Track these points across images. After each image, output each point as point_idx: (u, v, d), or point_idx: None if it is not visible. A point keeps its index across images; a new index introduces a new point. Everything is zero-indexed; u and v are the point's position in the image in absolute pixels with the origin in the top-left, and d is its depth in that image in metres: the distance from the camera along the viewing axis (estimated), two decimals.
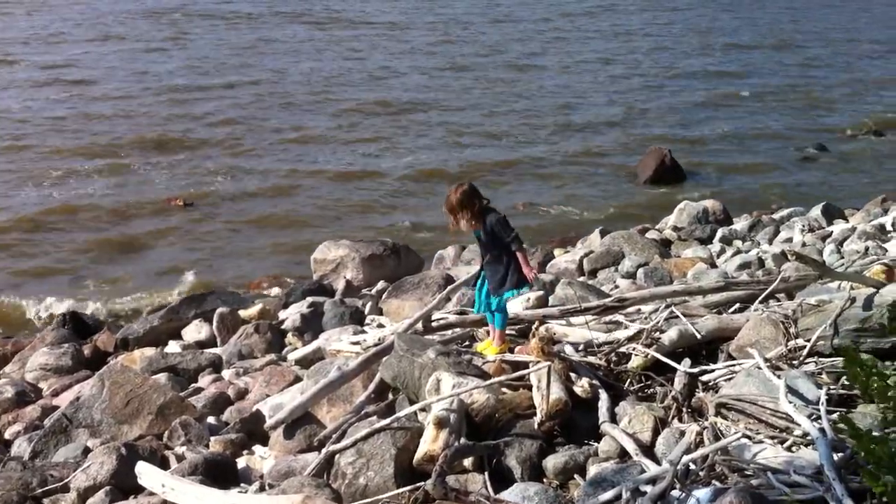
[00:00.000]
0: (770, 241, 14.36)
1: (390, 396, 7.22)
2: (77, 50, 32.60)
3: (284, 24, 39.96)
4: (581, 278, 12.74)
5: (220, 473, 6.63)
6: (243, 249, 16.25)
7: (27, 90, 26.66)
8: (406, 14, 44.92)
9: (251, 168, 20.72)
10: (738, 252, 13.52)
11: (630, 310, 8.42)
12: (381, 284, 13.13)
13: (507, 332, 8.10)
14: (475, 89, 29.54)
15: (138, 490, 6.51)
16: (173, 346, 11.39)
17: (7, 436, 8.68)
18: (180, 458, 7.09)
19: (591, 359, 7.26)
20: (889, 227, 13.78)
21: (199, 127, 23.59)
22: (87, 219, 17.33)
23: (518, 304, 10.25)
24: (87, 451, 7.50)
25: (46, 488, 6.74)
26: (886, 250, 11.55)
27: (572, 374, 6.70)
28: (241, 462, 7.18)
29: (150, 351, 10.98)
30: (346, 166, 21.09)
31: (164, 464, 6.96)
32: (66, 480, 6.78)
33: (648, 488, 4.92)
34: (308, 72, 30.51)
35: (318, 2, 46.52)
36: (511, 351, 7.46)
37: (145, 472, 6.41)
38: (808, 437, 5.35)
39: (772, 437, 5.60)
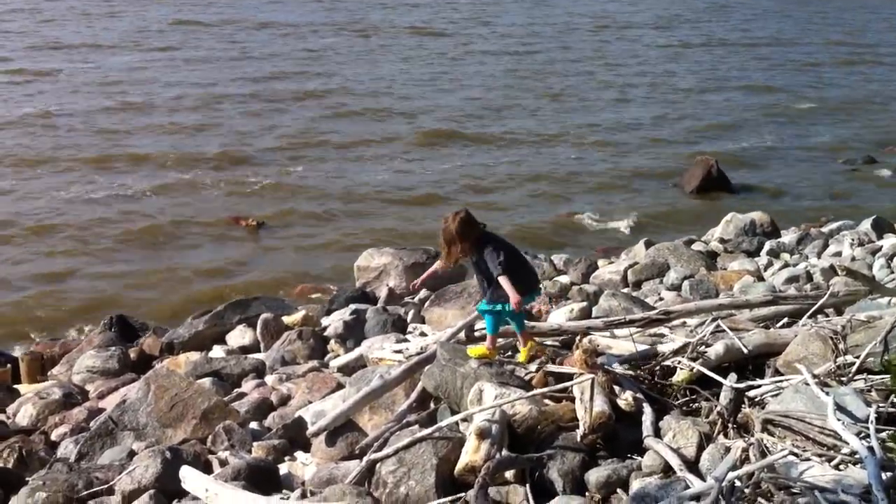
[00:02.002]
0: (819, 255, 14.16)
1: (432, 406, 7.23)
2: (125, 59, 32.96)
3: (341, 35, 40.05)
4: (625, 290, 12.65)
5: (262, 479, 6.66)
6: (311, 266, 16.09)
7: (82, 99, 26.67)
8: (457, 23, 45.04)
9: (314, 181, 20.52)
10: (786, 265, 13.34)
11: (675, 323, 8.35)
12: (423, 292, 13.13)
13: (550, 342, 8.09)
14: (526, 98, 29.51)
15: (182, 494, 6.56)
16: (217, 351, 11.48)
17: (54, 437, 8.80)
18: (223, 463, 7.15)
19: (635, 371, 7.20)
20: None
21: (264, 142, 23.31)
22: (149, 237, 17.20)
23: (562, 316, 10.24)
24: (132, 454, 7.59)
25: (91, 490, 6.81)
26: None
27: (616, 387, 6.66)
28: (283, 468, 7.21)
29: (194, 355, 11.08)
30: (401, 182, 20.94)
31: (207, 468, 7.01)
32: (111, 483, 6.85)
33: None
34: (371, 82, 30.46)
35: (375, 12, 46.73)
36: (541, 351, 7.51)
37: (189, 477, 6.47)
38: (857, 456, 5.27)
39: (819, 455, 5.51)
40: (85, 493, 6.79)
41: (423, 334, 10.68)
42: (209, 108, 26.49)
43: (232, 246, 16.85)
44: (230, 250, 16.64)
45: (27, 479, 7.35)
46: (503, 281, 6.90)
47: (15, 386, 10.89)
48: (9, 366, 11.35)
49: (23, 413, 9.57)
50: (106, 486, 6.85)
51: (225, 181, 20.19)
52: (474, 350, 7.32)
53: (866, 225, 15.47)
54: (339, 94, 28.81)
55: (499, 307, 7.19)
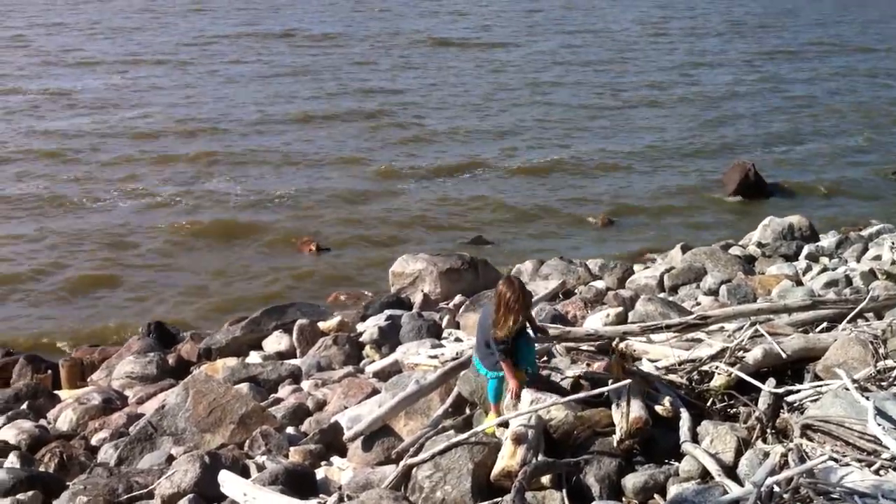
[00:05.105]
0: (858, 259, 14.00)
1: (468, 411, 7.22)
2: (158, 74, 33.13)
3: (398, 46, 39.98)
4: (662, 295, 12.59)
5: (299, 484, 6.70)
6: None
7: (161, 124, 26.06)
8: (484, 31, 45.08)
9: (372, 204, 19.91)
10: (825, 270, 13.21)
11: (713, 328, 8.28)
12: (458, 298, 13.15)
13: (586, 347, 8.04)
14: (562, 104, 29.46)
15: (220, 498, 6.61)
16: (254, 357, 11.56)
17: (94, 442, 8.91)
18: (261, 468, 7.19)
19: (671, 377, 7.15)
20: None
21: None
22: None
23: (598, 321, 10.20)
24: (171, 458, 7.66)
25: (132, 494, 6.89)
26: None
27: (653, 392, 6.62)
28: (319, 473, 7.25)
29: (231, 361, 11.15)
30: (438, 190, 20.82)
31: (244, 472, 7.06)
32: (150, 487, 6.92)
33: None
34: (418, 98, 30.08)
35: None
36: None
37: (228, 481, 6.52)
38: None
39: (859, 461, 5.45)
40: (125, 496, 6.87)
41: (458, 340, 10.69)
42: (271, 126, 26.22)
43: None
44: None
45: (68, 483, 7.46)
46: (507, 365, 6.39)
47: (55, 391, 11.03)
48: (49, 372, 11.50)
49: (63, 418, 9.69)
50: (146, 490, 6.92)
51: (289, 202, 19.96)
52: (490, 427, 6.57)
53: None
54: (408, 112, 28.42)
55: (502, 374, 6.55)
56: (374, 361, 10.66)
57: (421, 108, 28.38)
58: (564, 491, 5.71)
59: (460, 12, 52.57)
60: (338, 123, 26.40)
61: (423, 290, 13.59)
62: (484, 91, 31.36)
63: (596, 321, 10.33)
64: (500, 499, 5.69)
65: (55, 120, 25.79)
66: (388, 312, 12.23)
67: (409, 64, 36.24)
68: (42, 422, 9.78)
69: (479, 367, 6.61)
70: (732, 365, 7.00)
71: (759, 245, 15.46)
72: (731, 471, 5.66)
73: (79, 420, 9.57)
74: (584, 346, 8.11)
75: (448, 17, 50.26)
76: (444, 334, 11.50)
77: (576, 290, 13.22)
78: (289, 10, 51.30)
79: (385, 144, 24.33)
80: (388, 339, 11.37)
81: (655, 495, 5.67)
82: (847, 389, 6.06)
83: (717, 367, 7.06)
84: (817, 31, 48.74)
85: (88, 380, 11.59)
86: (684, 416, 6.33)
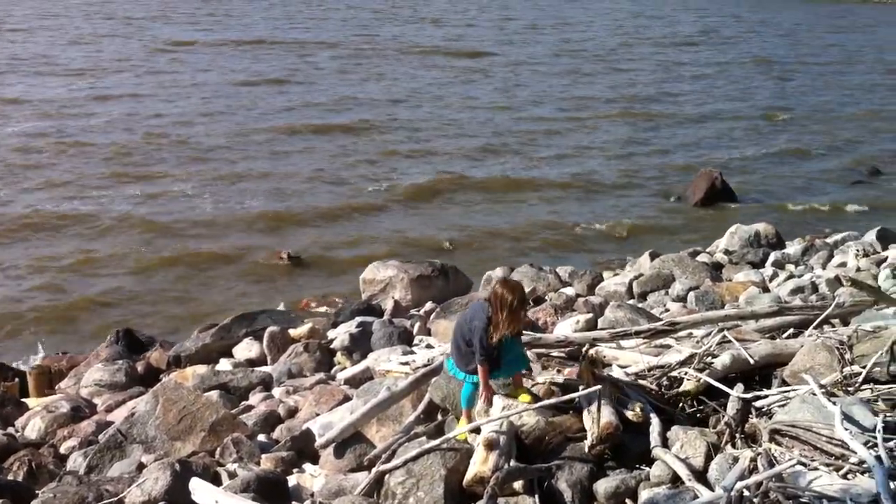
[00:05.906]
0: (824, 266, 14.17)
1: (439, 417, 7.24)
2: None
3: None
4: (630, 301, 12.68)
5: (271, 491, 6.67)
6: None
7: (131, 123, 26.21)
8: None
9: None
10: (791, 276, 13.36)
11: (681, 334, 8.35)
12: (429, 305, 13.18)
13: (557, 354, 8.09)
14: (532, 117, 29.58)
15: None
16: (224, 364, 11.49)
17: (63, 450, 8.82)
18: (232, 475, 7.16)
19: (641, 382, 7.21)
20: None
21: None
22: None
23: (568, 327, 10.26)
24: (141, 466, 7.61)
25: (102, 503, 6.82)
26: None
27: (623, 398, 6.67)
28: (291, 480, 7.23)
29: (201, 368, 11.09)
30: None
31: (215, 480, 7.02)
32: (121, 495, 6.85)
33: None
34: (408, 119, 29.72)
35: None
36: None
37: (199, 489, 6.49)
38: (865, 465, 5.28)
39: (827, 465, 5.52)
40: None
41: (429, 346, 10.71)
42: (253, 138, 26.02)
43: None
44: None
45: (37, 491, 7.38)
46: (484, 371, 6.30)
47: (23, 399, 10.91)
48: (17, 380, 11.38)
49: (31, 426, 9.59)
50: (116, 498, 6.85)
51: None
52: (462, 433, 6.51)
53: (871, 236, 15.49)
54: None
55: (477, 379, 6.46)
56: (345, 368, 10.65)
57: (394, 121, 28.34)
58: (537, 496, 5.74)
59: (434, 20, 52.71)
60: (311, 136, 26.30)
61: (393, 297, 13.61)
62: (457, 103, 31.42)
63: (566, 327, 10.39)
64: None
65: (14, 128, 25.46)
66: (358, 319, 12.22)
67: (382, 74, 36.23)
68: (10, 430, 9.66)
69: (453, 370, 6.57)
70: (701, 370, 7.06)
71: (727, 252, 15.61)
72: (701, 475, 5.71)
73: (47, 428, 9.46)
74: (555, 353, 8.16)
75: (422, 25, 50.34)
76: (416, 341, 11.52)
77: (546, 297, 13.29)
78: (259, 17, 51.17)
79: (358, 158, 24.24)
80: (360, 345, 11.38)
81: (627, 500, 5.71)
82: (814, 394, 6.14)
83: (686, 373, 7.11)
84: (789, 42, 49.31)
85: (56, 388, 11.48)
86: (654, 421, 6.38)
